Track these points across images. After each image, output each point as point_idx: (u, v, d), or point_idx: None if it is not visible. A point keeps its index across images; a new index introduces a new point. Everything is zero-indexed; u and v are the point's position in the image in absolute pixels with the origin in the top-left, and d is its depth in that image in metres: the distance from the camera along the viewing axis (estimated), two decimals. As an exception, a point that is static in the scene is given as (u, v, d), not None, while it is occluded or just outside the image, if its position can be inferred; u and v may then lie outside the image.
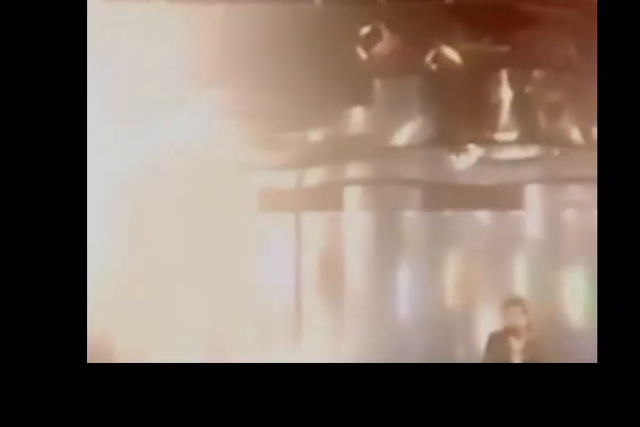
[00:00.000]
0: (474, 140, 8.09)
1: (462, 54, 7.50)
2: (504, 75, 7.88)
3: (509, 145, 8.23)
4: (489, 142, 8.09)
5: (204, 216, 8.04)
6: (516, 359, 7.00)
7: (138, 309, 7.66)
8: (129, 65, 7.10)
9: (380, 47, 7.47)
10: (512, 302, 7.17)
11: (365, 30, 7.45)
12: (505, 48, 7.41)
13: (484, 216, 9.04)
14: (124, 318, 7.53)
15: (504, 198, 8.89)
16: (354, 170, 8.83)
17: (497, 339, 7.16)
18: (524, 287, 8.37)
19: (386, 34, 7.45)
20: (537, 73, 7.87)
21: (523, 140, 8.12)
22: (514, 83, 7.89)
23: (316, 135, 8.34)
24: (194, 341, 7.87)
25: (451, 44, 7.46)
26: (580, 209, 8.66)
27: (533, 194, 8.89)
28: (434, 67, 7.48)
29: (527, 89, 7.89)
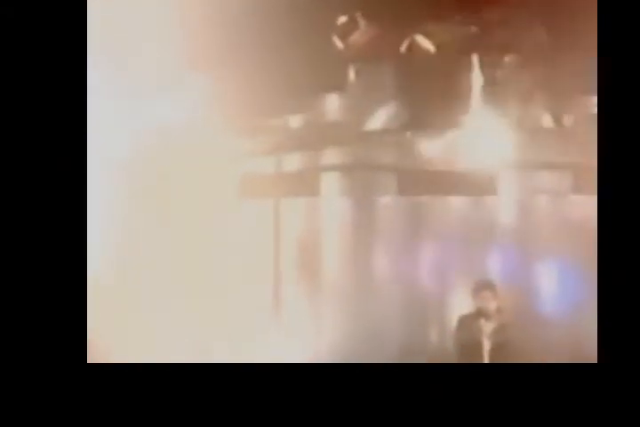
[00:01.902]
0: (447, 125, 8.21)
1: (435, 41, 7.56)
2: (476, 60, 7.95)
3: (482, 130, 8.25)
4: (462, 127, 8.18)
5: (186, 203, 8.05)
6: (486, 342, 7.08)
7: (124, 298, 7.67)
8: (110, 54, 7.11)
9: (357, 36, 7.59)
10: (483, 286, 7.25)
11: (342, 19, 7.63)
12: (475, 29, 7.53)
13: (458, 201, 9.13)
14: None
15: (478, 184, 8.85)
16: (331, 156, 8.96)
17: (467, 321, 7.28)
18: (497, 272, 8.42)
19: (362, 23, 7.54)
20: (508, 58, 7.92)
21: (495, 126, 8.17)
22: (485, 68, 7.98)
23: (293, 122, 8.51)
24: (176, 324, 7.83)
25: (424, 28, 7.53)
26: (554, 195, 8.76)
27: (507, 179, 8.94)
28: (408, 55, 7.55)
29: (499, 74, 7.97)
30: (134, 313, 7.76)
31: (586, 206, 8.40)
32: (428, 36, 7.79)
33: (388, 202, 9.11)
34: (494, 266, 8.72)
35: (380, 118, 8.39)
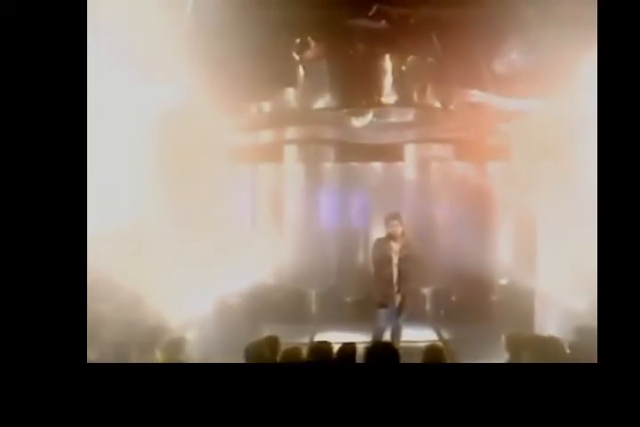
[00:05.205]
0: (367, 106, 9.49)
1: (360, 49, 8.60)
2: (388, 60, 8.99)
3: (391, 110, 9.58)
4: (378, 106, 9.42)
5: (185, 168, 8.72)
6: (394, 256, 8.02)
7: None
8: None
9: (308, 53, 8.87)
10: (392, 217, 8.20)
11: (298, 41, 8.81)
12: (384, 24, 8.02)
13: (377, 165, 10.90)
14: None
15: (391, 153, 10.58)
16: (290, 132, 10.48)
17: (381, 242, 8.20)
18: (403, 210, 9.16)
19: (312, 43, 8.81)
20: (410, 58, 8.98)
21: (401, 107, 9.49)
22: (394, 66, 9.01)
23: (265, 107, 9.86)
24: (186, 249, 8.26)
25: (354, 45, 8.55)
26: (441, 162, 10.48)
27: (410, 150, 10.66)
28: (341, 57, 8.67)
29: (403, 70, 9.02)
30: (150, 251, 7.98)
31: (462, 169, 10.51)
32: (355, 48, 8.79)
33: (329, 166, 10.68)
34: (402, 206, 9.78)
35: (322, 102, 9.50)
